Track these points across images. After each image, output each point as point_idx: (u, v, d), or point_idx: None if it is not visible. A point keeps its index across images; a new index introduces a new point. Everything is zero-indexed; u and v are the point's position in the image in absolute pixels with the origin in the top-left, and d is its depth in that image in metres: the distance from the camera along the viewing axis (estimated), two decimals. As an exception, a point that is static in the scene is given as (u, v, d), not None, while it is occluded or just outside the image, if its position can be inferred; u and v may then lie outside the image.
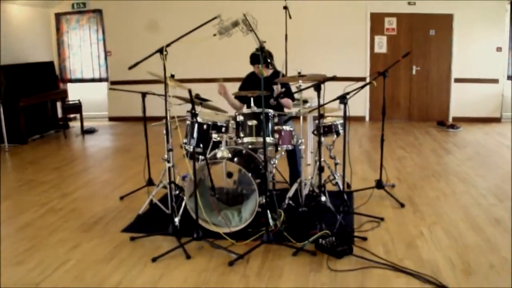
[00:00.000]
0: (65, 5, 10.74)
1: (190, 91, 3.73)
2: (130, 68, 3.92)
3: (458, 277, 3.30)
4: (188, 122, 4.51)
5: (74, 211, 4.94)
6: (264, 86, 4.39)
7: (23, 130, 8.64)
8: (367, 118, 10.35)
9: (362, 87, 4.63)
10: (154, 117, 9.75)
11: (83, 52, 10.96)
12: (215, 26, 4.00)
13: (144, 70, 9.90)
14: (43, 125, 9.51)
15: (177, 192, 4.57)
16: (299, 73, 4.20)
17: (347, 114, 4.39)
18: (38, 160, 7.43)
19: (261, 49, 3.62)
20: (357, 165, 6.26)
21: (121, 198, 5.27)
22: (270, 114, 4.22)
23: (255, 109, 4.22)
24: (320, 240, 3.75)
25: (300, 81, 4.23)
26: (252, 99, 4.26)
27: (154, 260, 3.66)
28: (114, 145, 8.42)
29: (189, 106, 3.95)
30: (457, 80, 9.98)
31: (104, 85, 11.05)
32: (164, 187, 4.80)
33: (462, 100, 10.04)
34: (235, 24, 3.95)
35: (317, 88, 3.83)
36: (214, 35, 3.95)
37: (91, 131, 9.70)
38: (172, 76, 4.63)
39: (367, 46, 10.06)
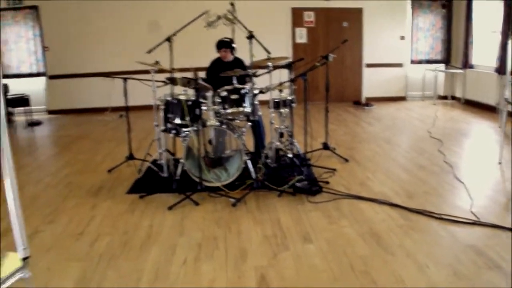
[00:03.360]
0: (-1, 2, 10.98)
1: (195, 72, 4.63)
2: (148, 52, 4.66)
3: (403, 199, 4.58)
4: (174, 101, 5.29)
5: (72, 184, 5.63)
6: (229, 69, 5.42)
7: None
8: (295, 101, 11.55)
9: (312, 68, 5.77)
10: (100, 108, 10.46)
11: (19, 48, 11.21)
12: (203, 20, 4.94)
13: (84, 64, 10.61)
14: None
15: (172, 158, 5.43)
16: (269, 56, 5.23)
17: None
18: (2, 149, 7.87)
19: (251, 36, 4.59)
20: (298, 136, 7.37)
21: (109, 171, 6.02)
22: (247, 90, 5.21)
23: (237, 85, 5.20)
24: (297, 183, 4.84)
25: (269, 63, 5.28)
26: (235, 77, 5.23)
27: (170, 208, 4.56)
28: (69, 134, 8.91)
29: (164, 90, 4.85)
30: (368, 65, 11.53)
31: (42, 79, 11.39)
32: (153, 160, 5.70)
33: (372, 83, 11.59)
34: (219, 17, 4.93)
35: (289, 66, 4.92)
36: (204, 27, 4.89)
37: (37, 123, 10.12)
38: (157, 62, 5.45)
39: (289, 37, 11.28)
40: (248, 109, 5.19)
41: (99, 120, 10.08)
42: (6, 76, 11.19)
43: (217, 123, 5.06)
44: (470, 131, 7.93)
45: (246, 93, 5.17)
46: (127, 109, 6.13)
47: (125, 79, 6.00)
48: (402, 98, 11.63)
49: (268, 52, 4.80)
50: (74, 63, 11.16)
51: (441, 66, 11.41)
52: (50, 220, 4.47)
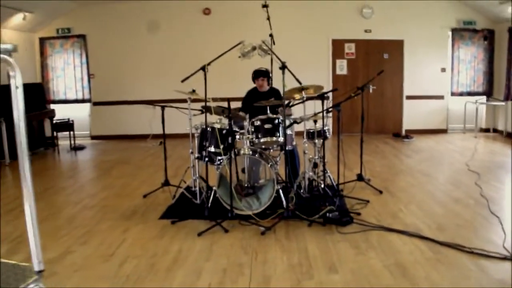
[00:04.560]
0: (49, 30, 11.50)
1: (228, 102, 4.73)
2: (182, 81, 4.79)
3: (434, 232, 4.50)
4: (209, 129, 5.40)
5: (107, 207, 5.79)
6: (264, 99, 5.49)
7: (20, 146, 9.31)
8: (330, 132, 11.49)
9: (347, 99, 5.81)
10: (141, 135, 10.72)
11: (66, 75, 11.67)
12: (238, 51, 5.05)
13: (127, 92, 10.94)
14: (33, 143, 10.15)
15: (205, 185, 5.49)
16: (303, 87, 5.29)
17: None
18: (45, 171, 8.20)
19: (284, 66, 4.67)
20: (334, 167, 7.33)
21: (144, 196, 6.15)
22: (280, 120, 5.26)
23: (270, 115, 5.26)
24: (328, 214, 4.83)
25: (304, 93, 5.33)
26: (268, 107, 5.30)
27: (199, 234, 4.61)
28: (110, 159, 9.18)
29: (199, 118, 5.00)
30: (408, 97, 11.43)
31: (87, 105, 11.81)
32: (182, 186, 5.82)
33: (413, 115, 11.48)
34: (254, 48, 5.04)
35: (322, 97, 4.96)
36: (239, 57, 5.00)
37: (80, 148, 10.45)
38: (193, 91, 5.58)
39: (330, 68, 11.35)
40: (281, 139, 5.23)
41: (141, 146, 10.31)
42: (53, 102, 11.65)
43: (250, 152, 5.13)
44: (510, 164, 7.72)
45: (280, 123, 5.22)
46: (164, 136, 6.28)
47: (163, 107, 6.19)
48: (443, 131, 11.46)
49: (300, 83, 4.86)
50: (117, 90, 11.55)
51: (483, 99, 11.21)
52: (83, 241, 4.61)
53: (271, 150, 5.63)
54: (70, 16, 11.41)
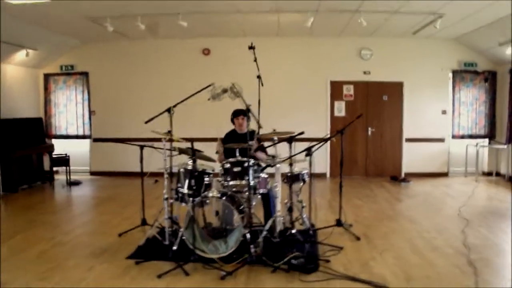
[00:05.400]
0: (54, 67, 11.69)
1: (192, 142, 4.69)
2: (146, 122, 4.78)
3: (401, 283, 4.35)
4: (182, 170, 5.37)
5: (80, 244, 5.75)
6: (242, 141, 5.43)
7: (15, 179, 9.41)
8: (328, 175, 11.36)
9: (325, 141, 5.73)
10: (138, 172, 10.67)
11: (68, 111, 11.80)
12: (208, 92, 5.02)
13: (125, 129, 10.95)
14: (30, 176, 10.26)
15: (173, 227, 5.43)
16: (274, 130, 5.23)
17: (313, 164, 5.44)
18: (34, 205, 8.19)
19: (248, 110, 4.62)
20: (320, 211, 7.19)
21: (120, 235, 6.08)
22: (251, 163, 5.18)
23: (239, 158, 5.19)
24: (293, 260, 4.69)
25: (275, 137, 5.26)
26: (237, 150, 5.24)
27: (159, 276, 4.53)
28: (101, 195, 9.18)
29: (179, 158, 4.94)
30: (408, 140, 11.25)
31: (87, 141, 11.90)
32: (158, 226, 5.75)
33: (413, 158, 11.27)
34: (225, 91, 5.01)
35: (290, 141, 4.88)
36: (208, 99, 4.97)
37: (76, 183, 10.47)
38: (169, 131, 5.55)
39: (328, 110, 11.23)
40: (251, 182, 5.14)
41: (135, 184, 10.25)
42: (55, 137, 11.77)
43: (217, 195, 5.05)
44: (505, 210, 7.46)
45: (250, 166, 5.14)
46: (142, 174, 6.31)
47: (141, 146, 6.19)
48: (444, 174, 11.22)
49: (260, 126, 4.79)
50: (117, 127, 11.60)
51: (485, 142, 11.00)
52: (44, 277, 4.59)
53: (246, 193, 5.51)
54: (74, 53, 11.60)
